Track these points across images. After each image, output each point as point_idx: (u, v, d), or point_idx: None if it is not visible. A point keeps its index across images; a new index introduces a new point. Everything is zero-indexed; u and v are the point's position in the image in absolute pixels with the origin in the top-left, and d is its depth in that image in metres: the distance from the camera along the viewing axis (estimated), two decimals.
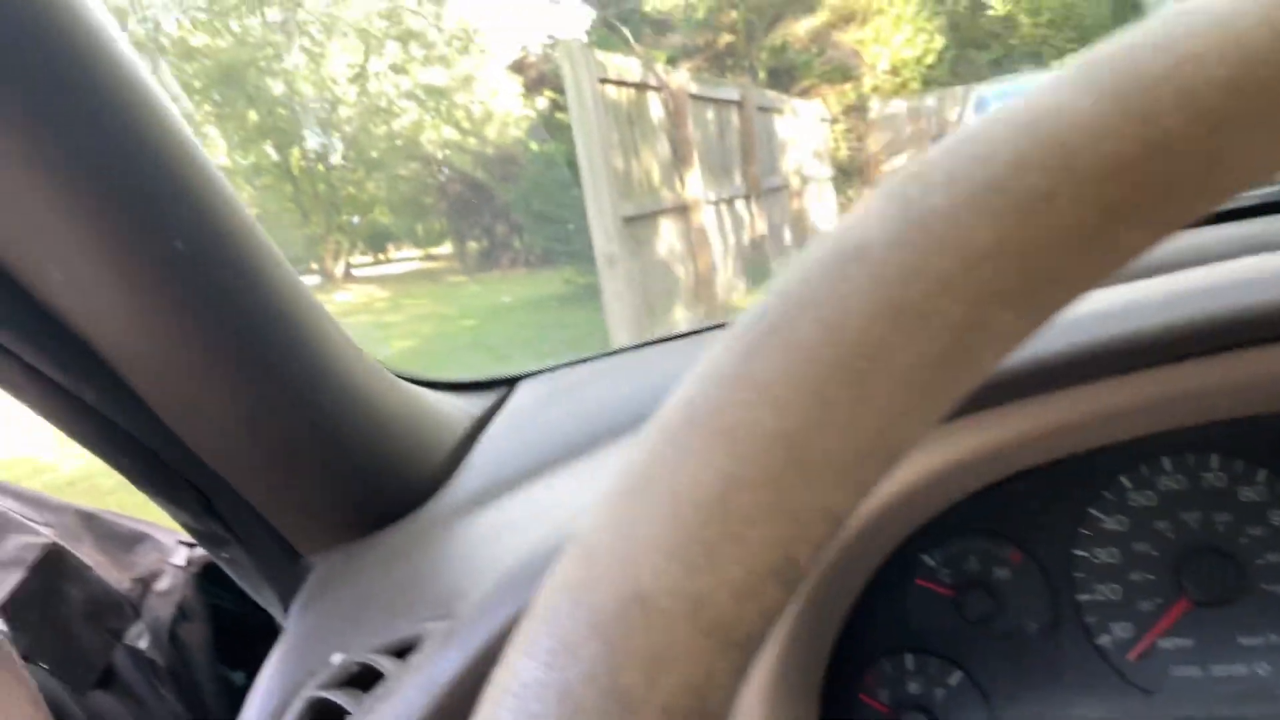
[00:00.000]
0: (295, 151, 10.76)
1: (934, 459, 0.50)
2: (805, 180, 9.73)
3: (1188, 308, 0.49)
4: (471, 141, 10.74)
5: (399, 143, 10.98)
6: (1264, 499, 0.62)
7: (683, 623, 0.22)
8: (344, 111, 11.00)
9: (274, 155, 10.78)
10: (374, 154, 11.07)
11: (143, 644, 0.79)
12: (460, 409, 0.84)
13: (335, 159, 11.07)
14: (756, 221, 7.90)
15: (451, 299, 9.21)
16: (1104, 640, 0.63)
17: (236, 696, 0.67)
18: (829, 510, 0.23)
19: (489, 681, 0.24)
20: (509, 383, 0.91)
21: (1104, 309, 0.50)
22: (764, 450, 0.22)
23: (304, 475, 0.67)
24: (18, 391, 0.58)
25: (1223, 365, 0.49)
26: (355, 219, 11.27)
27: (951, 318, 0.22)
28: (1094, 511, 0.64)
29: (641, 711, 0.22)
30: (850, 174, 11.77)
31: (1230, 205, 0.84)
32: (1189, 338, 0.49)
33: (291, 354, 0.64)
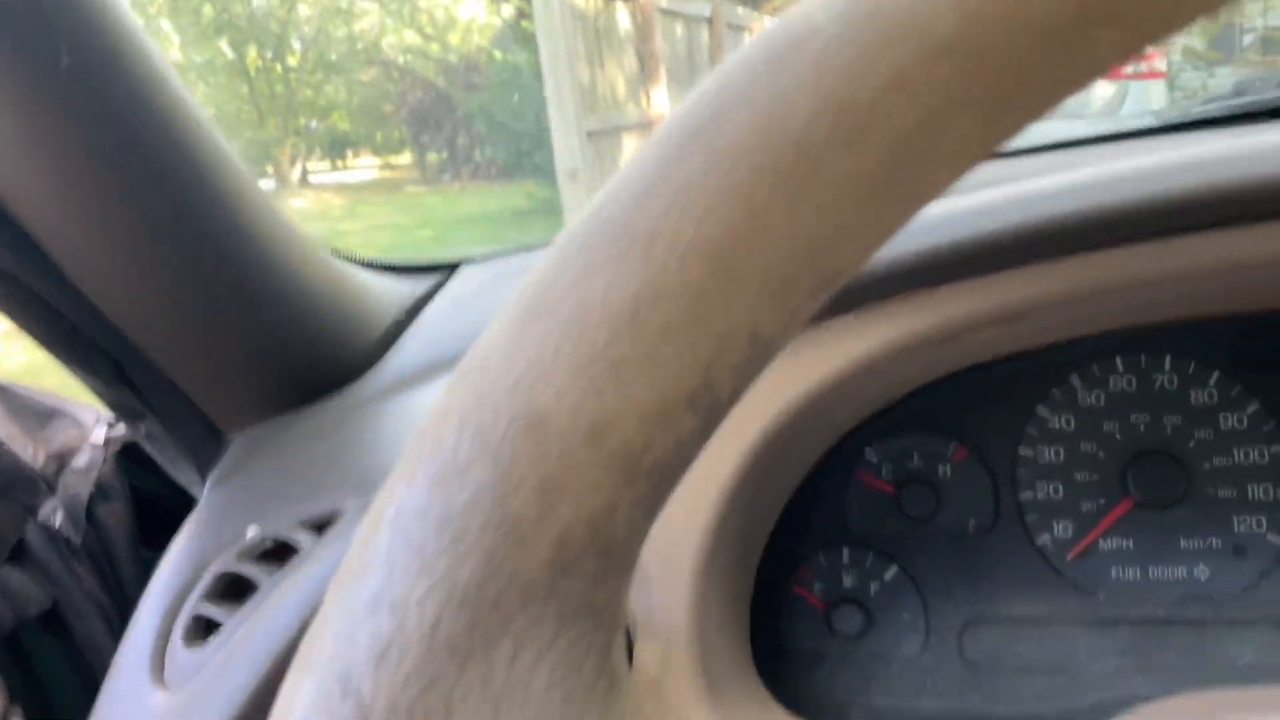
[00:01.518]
0: (252, 50, 10.44)
1: (876, 338, 0.48)
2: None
3: (1133, 188, 0.46)
4: (434, 48, 10.47)
5: (360, 46, 10.68)
6: (1214, 402, 0.61)
7: (583, 447, 0.20)
8: (304, 11, 10.67)
9: (229, 53, 10.45)
10: (333, 57, 10.77)
11: (57, 521, 0.76)
12: (398, 291, 0.80)
13: (293, 60, 10.76)
14: None
15: (410, 209, 9.06)
16: (1043, 540, 0.62)
17: None
18: (755, 332, 0.20)
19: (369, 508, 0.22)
20: (451, 268, 0.88)
21: (1054, 187, 0.48)
22: (683, 261, 0.19)
23: (223, 345, 0.64)
24: None
25: (1173, 251, 0.47)
26: (313, 123, 11.00)
27: (904, 121, 0.19)
28: (1042, 410, 0.63)
29: (532, 542, 0.19)
30: None
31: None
32: (1135, 218, 0.47)
33: (214, 219, 0.60)
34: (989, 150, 0.21)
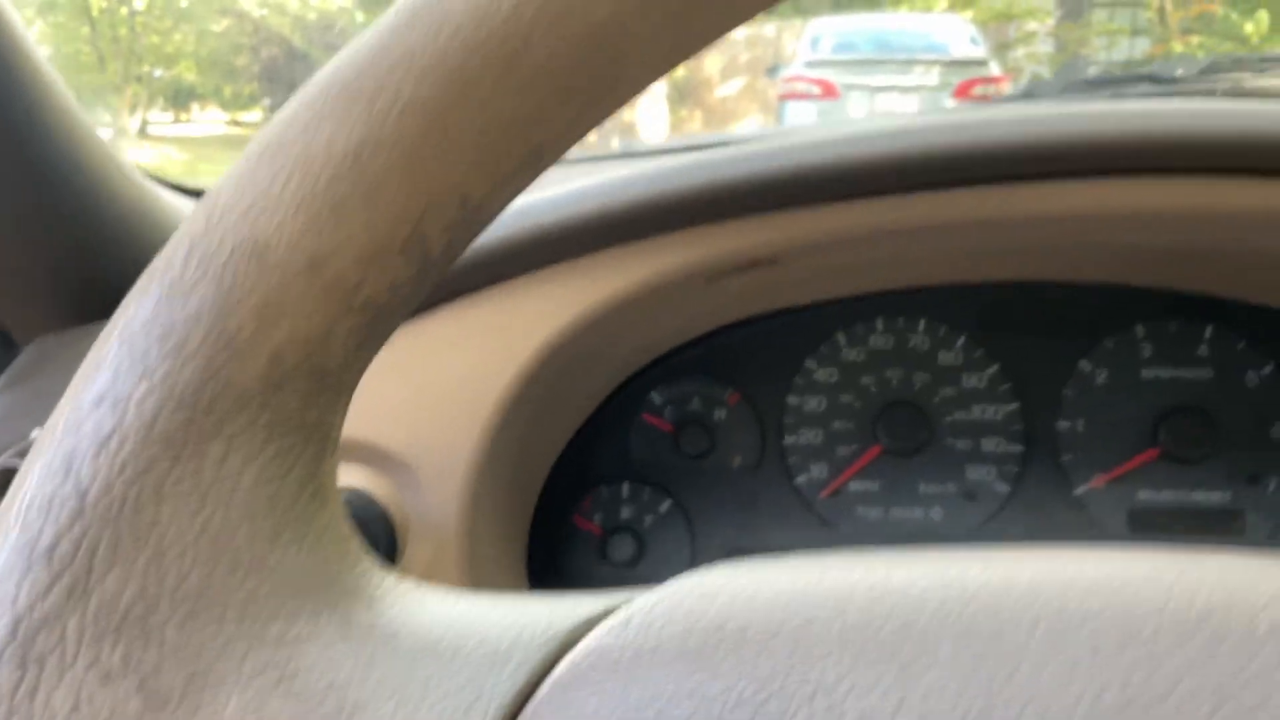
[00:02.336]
0: None
1: (638, 273, 0.52)
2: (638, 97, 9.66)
3: (878, 144, 0.52)
4: (293, 3, 10.13)
5: None
6: (959, 362, 0.68)
7: (301, 276, 0.23)
8: None
9: None
10: (184, 3, 10.29)
11: None
12: None
13: (141, 3, 10.23)
14: (590, 134, 7.81)
15: None
16: (801, 479, 0.68)
17: None
18: (464, 193, 0.24)
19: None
20: None
21: (807, 140, 0.53)
22: (401, 117, 0.23)
23: (17, 253, 0.63)
24: None
25: (915, 205, 0.53)
26: (157, 71, 10.48)
27: (597, 12, 0.23)
28: (809, 362, 0.69)
29: (248, 356, 0.22)
30: (685, 94, 11.80)
31: None
32: (876, 171, 0.52)
33: (14, 126, 0.60)
34: (678, 51, 0.25)
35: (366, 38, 0.24)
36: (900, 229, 0.53)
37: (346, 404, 0.25)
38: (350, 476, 0.51)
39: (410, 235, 0.23)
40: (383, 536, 0.48)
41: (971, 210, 0.53)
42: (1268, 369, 0.65)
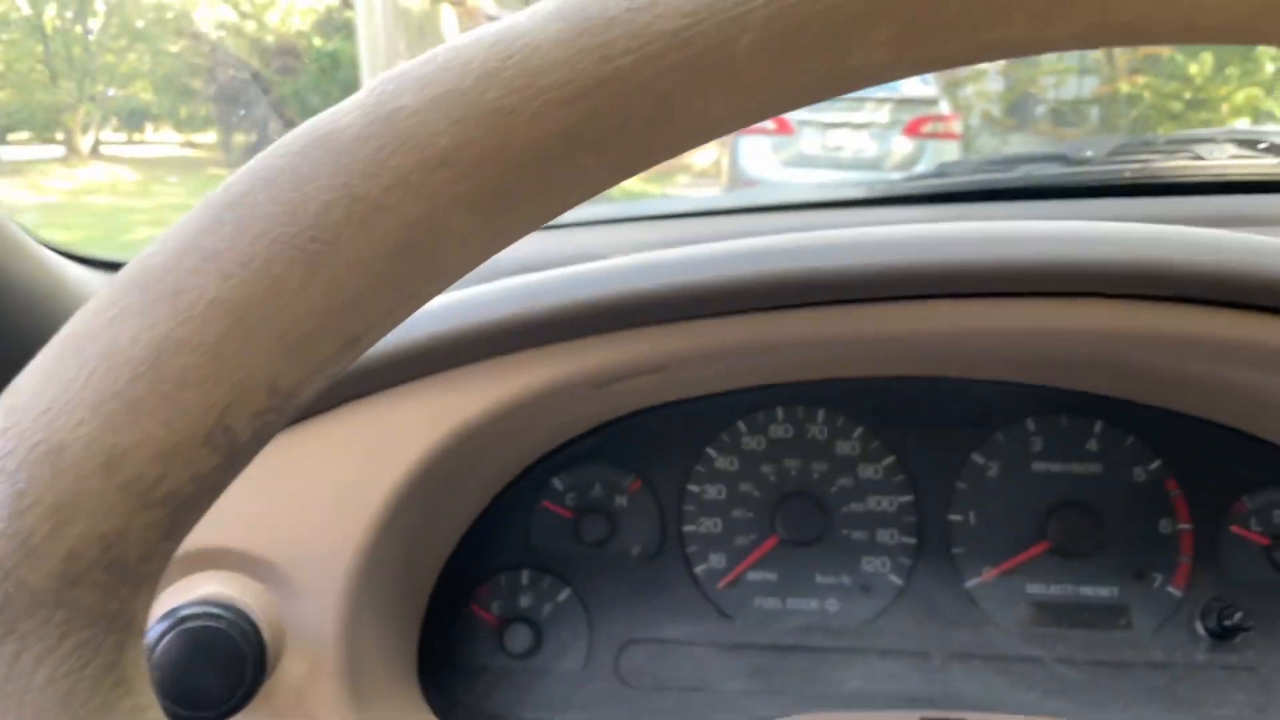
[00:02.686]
0: (52, 7, 9.78)
1: (525, 381, 0.52)
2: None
3: (783, 260, 0.52)
4: (251, 27, 10.08)
5: (170, 15, 10.16)
6: (856, 453, 0.69)
7: (96, 475, 0.22)
8: None
9: (26, 8, 9.75)
10: (140, 24, 10.20)
11: None
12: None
13: (96, 23, 10.13)
14: None
15: (210, 191, 8.65)
16: (701, 568, 0.68)
17: None
18: (274, 383, 0.24)
19: None
20: None
21: (701, 255, 0.53)
22: (206, 316, 0.23)
23: None
24: None
25: (799, 322, 0.53)
26: (111, 90, 10.37)
27: (407, 213, 0.23)
28: (710, 451, 0.69)
29: (43, 555, 0.22)
30: None
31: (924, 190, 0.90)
32: (786, 288, 0.53)
33: None
34: (496, 243, 0.25)
35: (174, 232, 0.24)
36: (789, 342, 0.54)
37: (151, 591, 0.25)
38: (220, 586, 0.51)
39: (214, 427, 0.23)
40: (250, 649, 0.48)
41: (858, 326, 0.54)
42: (1155, 465, 0.66)
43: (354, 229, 0.23)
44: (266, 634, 0.49)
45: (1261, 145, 0.91)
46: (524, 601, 0.68)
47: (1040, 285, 0.52)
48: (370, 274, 0.24)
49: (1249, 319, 0.52)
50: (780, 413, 0.69)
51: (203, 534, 0.51)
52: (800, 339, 0.53)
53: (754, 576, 0.68)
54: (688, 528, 0.69)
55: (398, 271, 0.24)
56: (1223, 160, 0.88)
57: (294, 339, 0.23)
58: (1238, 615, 0.62)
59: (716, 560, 0.68)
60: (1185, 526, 0.66)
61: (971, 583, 0.67)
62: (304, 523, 0.52)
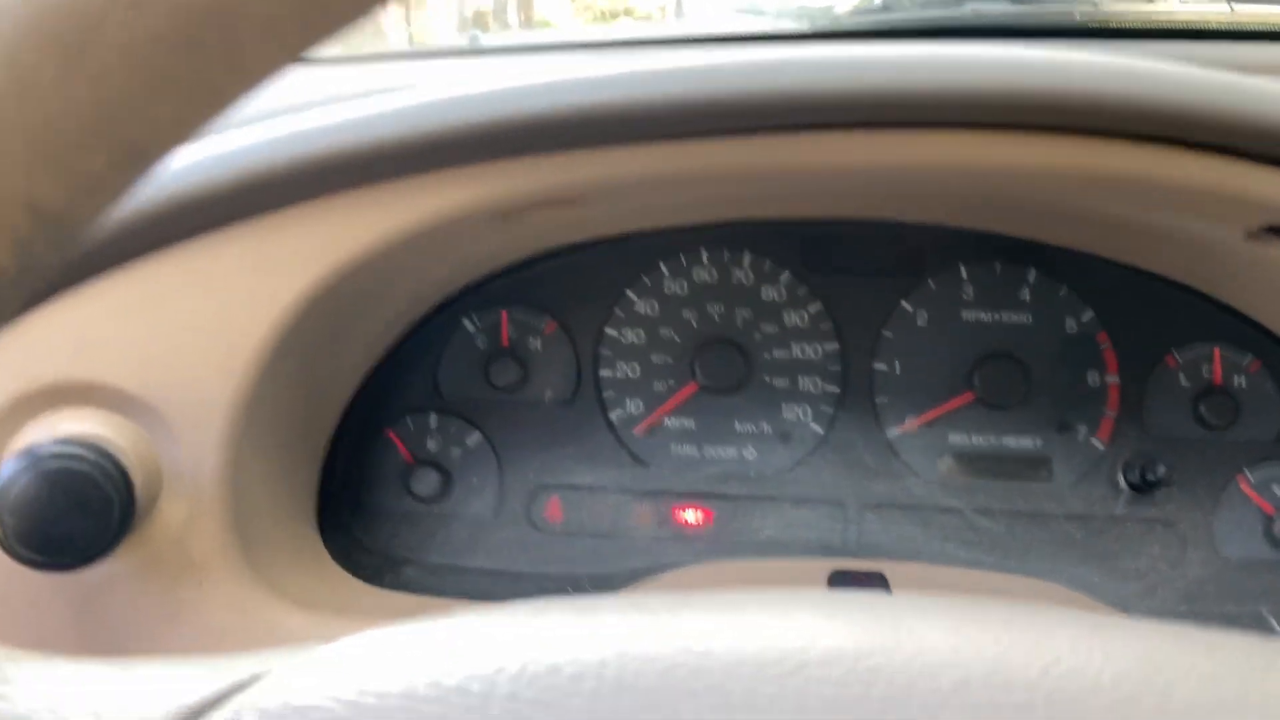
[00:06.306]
0: None
1: (422, 207, 0.48)
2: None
3: (677, 85, 0.48)
4: None
5: None
6: (781, 299, 0.66)
7: None
8: None
9: None
10: None
11: None
12: None
13: None
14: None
15: None
16: (616, 414, 0.66)
17: None
18: (34, 203, 0.19)
19: None
20: None
21: (611, 75, 0.49)
22: None
23: None
24: None
25: (719, 152, 0.49)
26: None
27: None
28: (630, 293, 0.66)
29: None
30: None
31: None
32: (704, 112, 0.49)
33: None
34: (310, 34, 0.20)
35: None
36: (703, 174, 0.50)
37: None
38: (86, 424, 0.47)
39: None
40: (117, 492, 0.44)
41: (782, 156, 0.50)
42: (1087, 316, 0.64)
43: (123, 7, 0.18)
44: (138, 476, 0.46)
45: None
46: (432, 445, 0.65)
47: (983, 115, 0.48)
48: (148, 67, 0.19)
49: (1169, 154, 0.49)
50: (704, 255, 0.66)
51: (66, 366, 0.47)
52: (716, 170, 0.49)
53: (671, 423, 0.66)
54: (604, 372, 0.66)
55: (183, 65, 0.19)
56: (1171, 4, 0.84)
57: (55, 148, 0.19)
58: (1161, 469, 0.61)
59: (633, 406, 0.66)
60: (1113, 379, 0.64)
61: (893, 432, 0.65)
62: (180, 357, 0.48)
